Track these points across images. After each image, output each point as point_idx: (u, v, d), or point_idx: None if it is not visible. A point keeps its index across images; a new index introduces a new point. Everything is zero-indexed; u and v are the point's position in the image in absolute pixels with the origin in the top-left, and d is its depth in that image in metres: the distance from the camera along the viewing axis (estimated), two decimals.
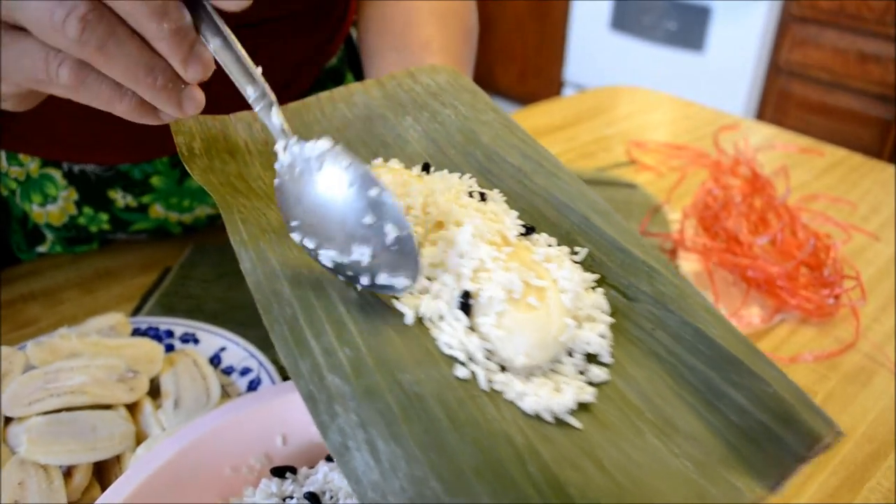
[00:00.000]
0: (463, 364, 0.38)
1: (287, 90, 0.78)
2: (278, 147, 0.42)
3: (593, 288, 0.45)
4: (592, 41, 3.27)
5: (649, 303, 0.43)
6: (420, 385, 0.36)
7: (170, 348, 0.64)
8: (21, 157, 0.74)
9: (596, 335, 0.41)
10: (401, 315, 0.40)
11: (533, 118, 1.29)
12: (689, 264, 0.84)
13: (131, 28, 0.38)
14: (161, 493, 0.44)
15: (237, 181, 0.50)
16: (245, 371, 0.61)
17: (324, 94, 0.59)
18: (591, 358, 0.41)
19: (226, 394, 0.60)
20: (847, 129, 2.57)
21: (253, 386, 0.60)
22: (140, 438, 0.54)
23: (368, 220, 0.39)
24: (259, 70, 0.41)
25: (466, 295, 0.40)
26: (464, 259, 0.41)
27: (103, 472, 0.53)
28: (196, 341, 0.65)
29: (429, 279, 0.42)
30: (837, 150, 1.18)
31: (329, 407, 0.34)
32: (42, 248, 0.82)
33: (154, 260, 0.82)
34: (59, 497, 0.49)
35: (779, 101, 2.76)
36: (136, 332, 0.65)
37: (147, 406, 0.56)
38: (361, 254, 0.39)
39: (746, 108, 2.80)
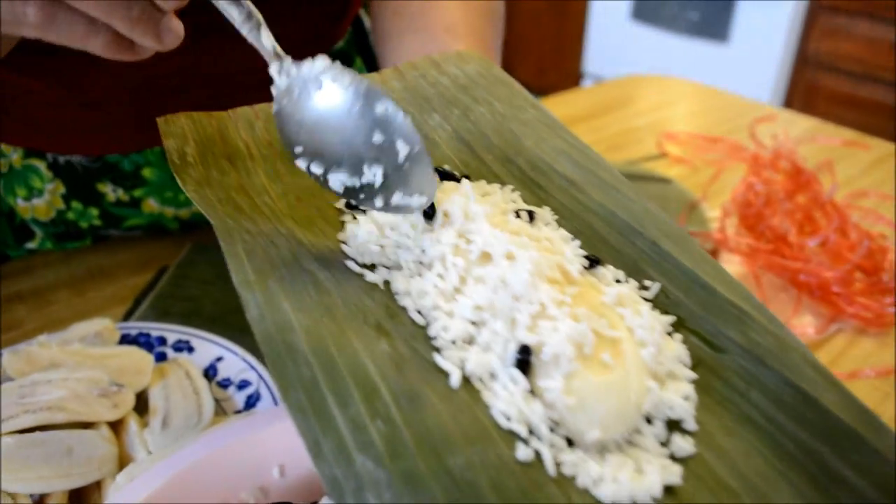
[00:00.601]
0: (524, 441, 0.31)
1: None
2: (272, 70, 0.40)
3: (670, 334, 0.37)
4: (613, 32, 3.20)
5: (740, 355, 0.35)
6: (472, 470, 0.29)
7: (161, 357, 0.59)
8: (2, 147, 0.68)
9: (680, 398, 0.34)
10: (444, 374, 0.33)
11: (555, 108, 1.22)
12: (732, 267, 0.77)
13: None
14: None
15: (239, 196, 0.43)
16: (243, 384, 0.55)
17: None
18: (673, 424, 0.34)
19: (220, 410, 0.54)
20: (878, 123, 2.48)
21: (251, 402, 0.53)
22: (124, 461, 0.49)
23: (377, 138, 0.37)
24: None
25: (525, 350, 0.33)
26: (520, 303, 0.34)
27: (82, 500, 0.48)
28: (190, 350, 0.59)
29: (474, 324, 0.35)
30: (884, 143, 1.11)
31: (359, 496, 0.27)
32: (32, 245, 0.77)
33: (150, 258, 0.76)
34: None
35: (807, 93, 2.68)
36: (125, 340, 0.60)
37: (132, 424, 0.50)
38: (373, 174, 0.37)
39: (772, 101, 2.72)
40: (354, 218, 0.43)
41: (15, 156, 0.69)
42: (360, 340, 0.33)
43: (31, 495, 0.45)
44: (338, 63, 0.38)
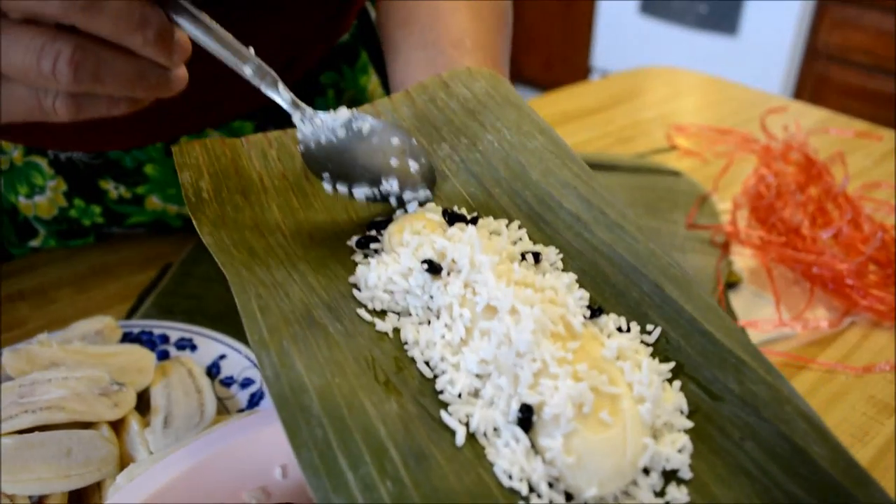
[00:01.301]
0: (525, 499, 0.32)
1: (291, 68, 0.70)
2: (296, 119, 0.46)
3: (670, 381, 0.37)
4: (621, 26, 3.19)
5: (736, 404, 0.35)
6: None
7: (164, 355, 0.58)
8: (3, 144, 0.67)
9: (676, 450, 0.34)
10: (450, 432, 0.34)
11: (564, 102, 1.21)
12: (744, 260, 0.76)
13: (117, 45, 0.38)
14: None
15: (253, 237, 0.44)
16: (246, 383, 0.54)
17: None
18: (669, 473, 0.34)
19: (223, 408, 0.53)
20: (889, 114, 2.46)
21: (254, 401, 0.53)
22: (125, 461, 0.48)
23: (394, 162, 0.46)
24: (250, 50, 0.44)
25: (526, 409, 0.34)
26: (523, 359, 0.35)
27: (82, 501, 0.47)
28: (193, 348, 0.58)
29: (479, 377, 0.36)
30: None
31: None
32: (35, 243, 0.76)
33: (154, 255, 0.76)
34: None
35: (817, 86, 2.65)
36: (127, 338, 0.59)
37: (133, 424, 0.50)
38: (391, 185, 0.46)
39: (782, 94, 2.70)
40: (365, 257, 0.44)
41: (16, 153, 0.68)
42: (369, 400, 0.34)
43: (31, 497, 0.45)
44: (354, 110, 0.47)
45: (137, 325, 0.60)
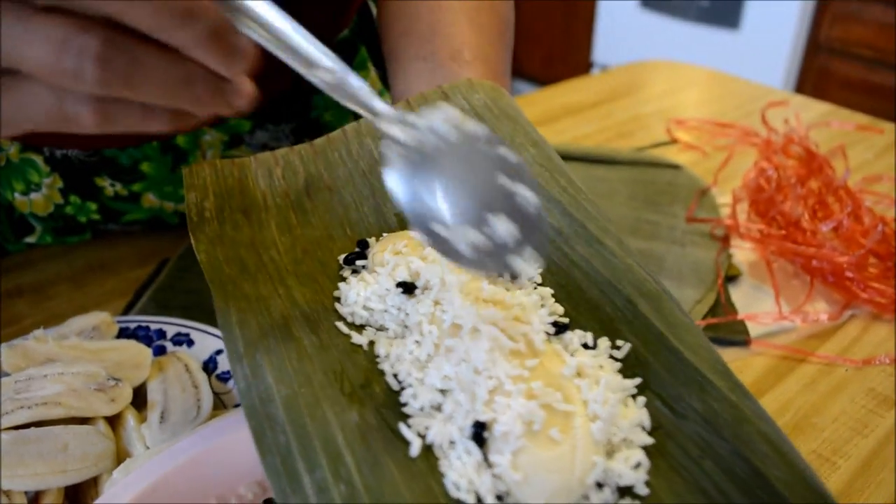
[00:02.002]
0: None
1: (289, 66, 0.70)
2: (385, 127, 0.37)
3: (634, 396, 0.38)
4: (622, 21, 3.18)
5: (699, 423, 0.36)
6: None
7: (160, 350, 0.57)
8: None
9: (629, 468, 0.34)
10: (406, 443, 0.35)
11: (564, 95, 1.20)
12: (743, 253, 0.76)
13: (157, 42, 0.31)
14: None
15: (247, 253, 0.45)
16: None
17: (350, 127, 0.53)
18: (625, 489, 0.35)
19: (220, 404, 0.53)
20: (891, 108, 2.45)
21: None
22: (121, 456, 0.48)
23: (503, 181, 0.37)
24: (326, 49, 0.35)
25: (480, 425, 0.35)
26: (480, 377, 0.36)
27: (79, 496, 0.47)
28: (190, 343, 0.58)
29: (443, 392, 0.37)
30: None
31: None
32: (31, 239, 0.76)
33: (151, 251, 0.75)
34: None
35: (818, 79, 2.64)
36: (124, 333, 0.58)
37: (130, 419, 0.49)
38: (505, 230, 0.37)
39: (784, 88, 2.69)
40: (353, 272, 0.45)
41: (12, 149, 0.67)
42: (332, 410, 0.36)
43: (27, 493, 0.45)
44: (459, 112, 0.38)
45: (134, 320, 0.60)
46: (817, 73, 2.64)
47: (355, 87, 0.36)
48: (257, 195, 0.49)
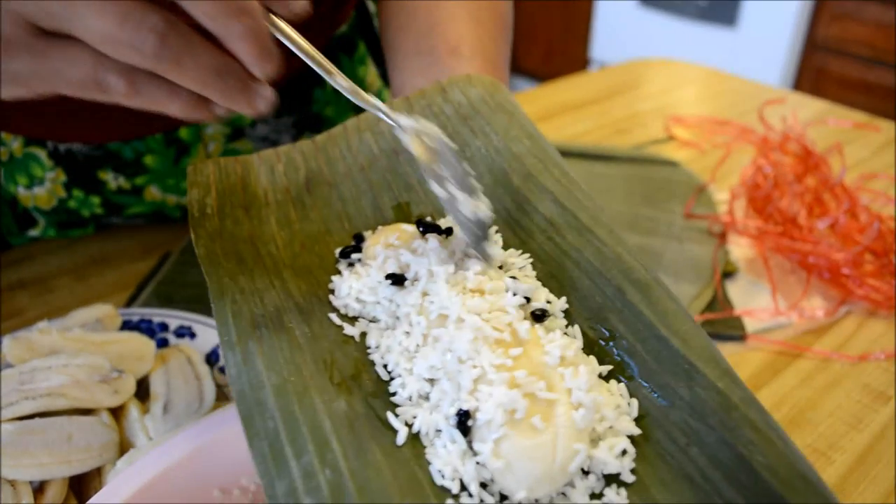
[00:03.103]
0: (455, 497, 0.33)
1: (290, 59, 0.70)
2: (406, 137, 0.42)
3: (621, 381, 0.38)
4: (620, 18, 3.18)
5: (685, 411, 0.36)
6: None
7: (163, 343, 0.58)
8: (3, 135, 0.67)
9: (614, 456, 0.35)
10: (393, 431, 0.36)
11: (562, 93, 1.21)
12: (740, 249, 0.76)
13: (204, 31, 0.34)
14: None
15: (245, 247, 0.46)
16: None
17: (350, 123, 0.54)
18: (611, 476, 0.35)
19: (222, 396, 0.53)
20: (888, 107, 2.45)
21: None
22: (125, 447, 0.48)
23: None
24: (342, 80, 0.40)
25: (464, 414, 0.35)
26: (464, 366, 0.36)
27: (83, 486, 0.47)
28: (192, 335, 0.58)
29: (430, 381, 0.38)
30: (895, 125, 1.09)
31: None
32: (35, 233, 0.76)
33: (154, 245, 0.76)
34: None
35: (816, 78, 2.65)
36: (127, 326, 0.59)
37: (133, 410, 0.50)
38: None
39: (782, 86, 2.69)
40: (349, 265, 0.46)
41: (15, 144, 0.68)
42: (320, 398, 0.36)
43: (32, 482, 0.45)
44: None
45: (137, 313, 0.60)
46: (815, 72, 2.65)
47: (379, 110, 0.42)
48: (259, 191, 0.49)
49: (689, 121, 1.09)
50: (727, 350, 0.64)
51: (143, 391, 0.52)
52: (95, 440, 0.46)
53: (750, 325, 0.66)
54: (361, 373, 0.39)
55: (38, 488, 0.45)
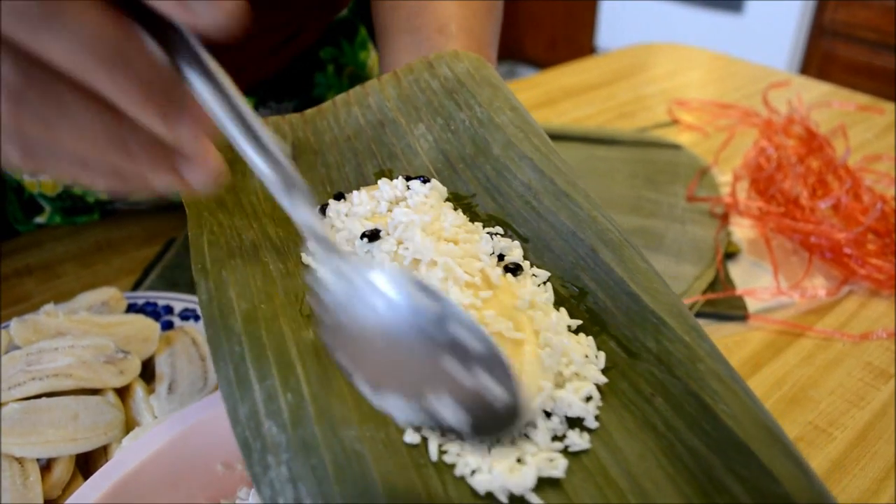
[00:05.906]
0: (418, 429, 0.33)
1: (289, 45, 0.71)
2: (311, 248, 0.34)
3: (590, 334, 0.38)
4: (625, 5, 3.17)
5: (652, 362, 0.36)
6: (361, 443, 0.32)
7: (168, 325, 0.59)
8: None
9: (579, 398, 0.35)
10: None
11: (567, 77, 1.21)
12: (743, 230, 0.76)
13: (79, 84, 0.26)
14: (142, 492, 0.38)
15: (226, 195, 0.46)
16: None
17: (340, 98, 0.55)
18: (576, 421, 0.35)
19: None
20: (894, 92, 2.44)
21: None
22: (130, 426, 0.49)
23: (457, 372, 0.31)
24: (270, 137, 0.31)
25: None
26: None
27: (90, 465, 0.48)
28: (197, 318, 0.59)
29: None
30: None
31: (263, 458, 0.31)
32: (41, 219, 0.77)
33: (159, 230, 0.76)
34: (34, 495, 0.43)
35: (822, 63, 2.64)
36: (132, 308, 0.60)
37: (139, 391, 0.50)
38: (441, 406, 0.32)
39: (788, 71, 2.67)
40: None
41: None
42: (289, 326, 0.36)
43: (39, 460, 0.46)
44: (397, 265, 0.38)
45: (142, 296, 0.61)
46: (821, 57, 2.64)
47: (293, 191, 0.32)
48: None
49: (692, 104, 1.09)
50: (729, 330, 0.64)
51: (148, 372, 0.53)
52: (101, 419, 0.47)
53: (752, 305, 0.66)
54: None
55: (46, 466, 0.46)
